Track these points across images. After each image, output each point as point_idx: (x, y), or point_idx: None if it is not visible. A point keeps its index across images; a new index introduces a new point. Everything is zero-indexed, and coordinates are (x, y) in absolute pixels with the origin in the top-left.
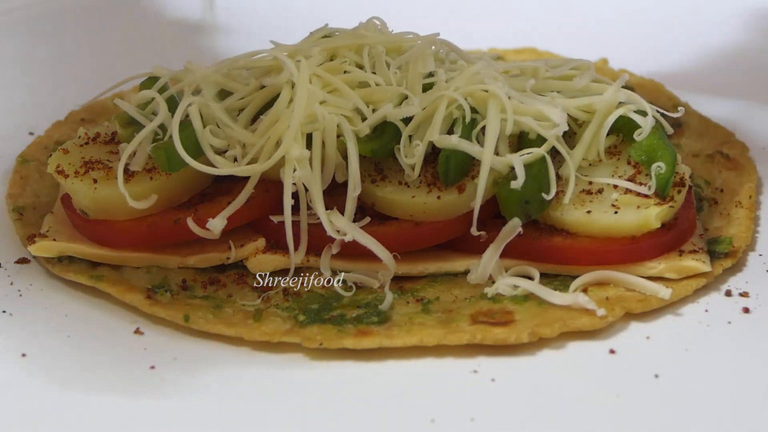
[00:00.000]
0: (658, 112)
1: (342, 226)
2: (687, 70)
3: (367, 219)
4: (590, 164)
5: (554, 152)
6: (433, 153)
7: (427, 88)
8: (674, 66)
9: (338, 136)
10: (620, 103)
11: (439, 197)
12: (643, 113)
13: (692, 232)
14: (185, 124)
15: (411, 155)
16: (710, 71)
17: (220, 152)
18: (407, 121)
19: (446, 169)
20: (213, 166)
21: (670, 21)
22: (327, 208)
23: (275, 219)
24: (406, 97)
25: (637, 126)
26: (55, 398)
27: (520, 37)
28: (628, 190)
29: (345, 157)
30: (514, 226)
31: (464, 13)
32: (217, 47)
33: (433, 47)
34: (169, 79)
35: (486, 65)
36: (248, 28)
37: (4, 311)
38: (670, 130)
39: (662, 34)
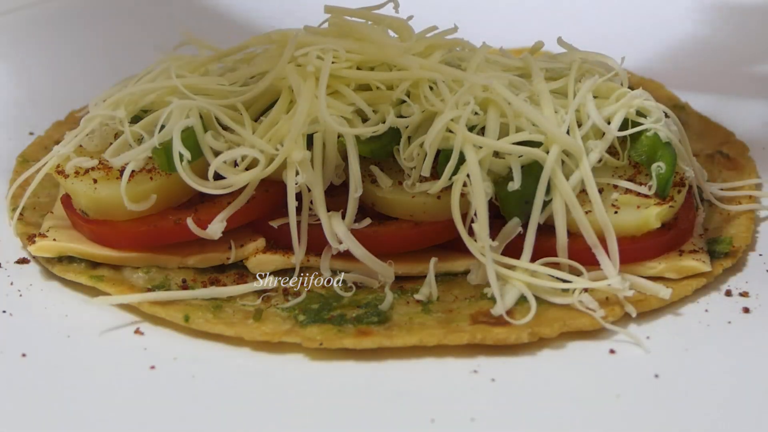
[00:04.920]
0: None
1: (340, 233)
2: (687, 70)
3: (368, 220)
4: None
5: None
6: None
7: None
8: (674, 66)
9: (338, 137)
10: (622, 103)
11: (439, 197)
12: (645, 114)
13: (692, 232)
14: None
15: (410, 158)
16: (710, 71)
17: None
18: None
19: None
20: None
21: (670, 21)
22: (328, 209)
23: (275, 224)
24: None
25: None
26: (55, 398)
27: (520, 37)
28: (628, 190)
29: (344, 157)
30: (514, 226)
31: (464, 13)
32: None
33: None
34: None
35: (487, 66)
36: None
37: (4, 311)
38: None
39: (662, 34)
